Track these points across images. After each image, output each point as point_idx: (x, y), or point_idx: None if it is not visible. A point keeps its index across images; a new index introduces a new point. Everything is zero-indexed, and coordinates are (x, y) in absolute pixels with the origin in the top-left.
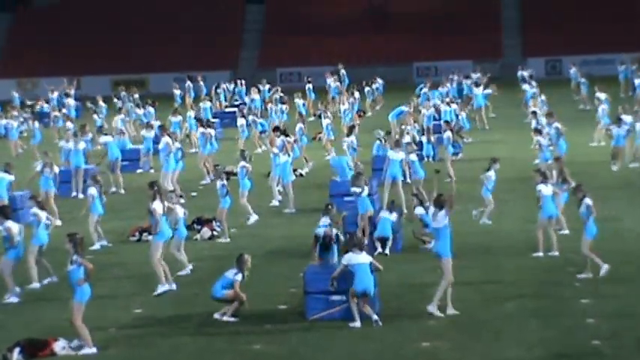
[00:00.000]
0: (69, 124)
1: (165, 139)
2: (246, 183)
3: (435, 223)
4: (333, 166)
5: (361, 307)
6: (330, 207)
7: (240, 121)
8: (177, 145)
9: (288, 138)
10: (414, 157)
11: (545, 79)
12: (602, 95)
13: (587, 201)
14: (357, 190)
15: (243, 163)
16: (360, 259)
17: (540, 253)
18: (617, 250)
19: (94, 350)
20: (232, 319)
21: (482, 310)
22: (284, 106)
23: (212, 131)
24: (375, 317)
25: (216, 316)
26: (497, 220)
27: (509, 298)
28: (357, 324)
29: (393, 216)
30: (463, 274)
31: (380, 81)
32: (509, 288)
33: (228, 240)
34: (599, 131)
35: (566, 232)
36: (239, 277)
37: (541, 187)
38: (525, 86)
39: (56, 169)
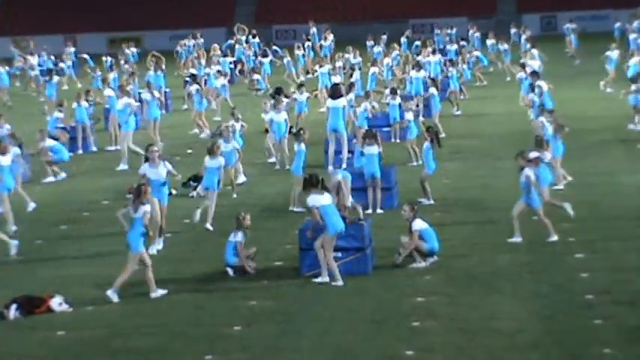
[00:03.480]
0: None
1: (124, 99)
2: (238, 141)
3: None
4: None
5: (328, 261)
6: (301, 132)
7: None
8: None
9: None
10: (410, 115)
11: (541, 35)
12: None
13: (527, 172)
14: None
15: (232, 122)
16: (322, 200)
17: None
18: (611, 205)
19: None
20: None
21: (477, 265)
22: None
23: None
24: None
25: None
26: (492, 175)
27: (503, 252)
28: (326, 279)
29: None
30: (457, 229)
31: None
32: (502, 243)
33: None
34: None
35: (561, 187)
36: (239, 236)
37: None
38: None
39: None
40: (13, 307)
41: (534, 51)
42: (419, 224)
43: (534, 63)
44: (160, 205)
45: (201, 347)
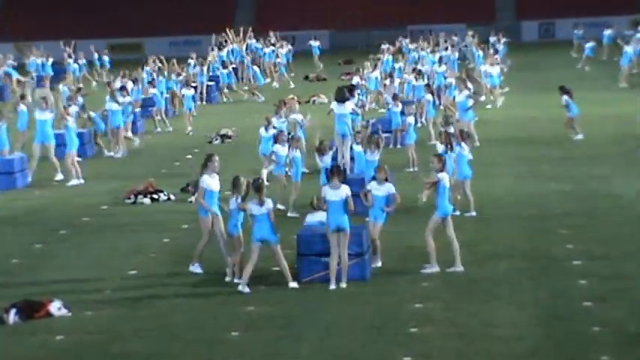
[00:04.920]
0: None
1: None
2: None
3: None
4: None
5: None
6: (294, 139)
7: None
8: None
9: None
10: (411, 119)
11: (539, 42)
12: None
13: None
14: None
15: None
16: (332, 195)
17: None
18: (610, 211)
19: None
20: (247, 289)
21: (475, 271)
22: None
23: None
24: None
25: (240, 288)
26: (488, 181)
27: (501, 258)
28: (332, 286)
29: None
30: (456, 235)
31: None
32: (501, 249)
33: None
34: None
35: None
36: (271, 203)
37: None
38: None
39: None
40: (13, 311)
41: (497, 57)
42: (444, 176)
43: (493, 70)
44: (216, 218)
45: (200, 352)
